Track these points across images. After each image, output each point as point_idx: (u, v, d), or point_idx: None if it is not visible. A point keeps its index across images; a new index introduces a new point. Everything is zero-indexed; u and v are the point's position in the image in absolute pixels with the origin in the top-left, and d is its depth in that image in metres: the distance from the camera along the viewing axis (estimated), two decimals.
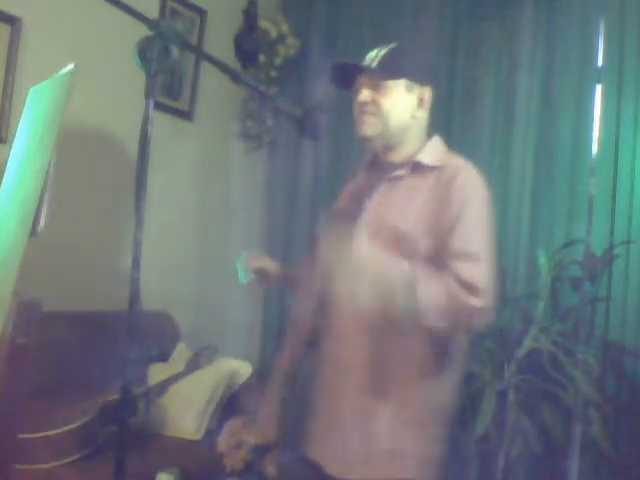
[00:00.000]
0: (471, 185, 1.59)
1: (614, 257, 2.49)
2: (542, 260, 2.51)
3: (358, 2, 3.33)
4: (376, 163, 1.75)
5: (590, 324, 2.51)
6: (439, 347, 1.58)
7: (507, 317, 2.58)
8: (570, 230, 2.64)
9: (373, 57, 1.66)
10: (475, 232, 1.53)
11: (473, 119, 2.92)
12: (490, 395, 2.36)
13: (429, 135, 1.73)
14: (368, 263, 1.51)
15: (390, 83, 1.65)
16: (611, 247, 2.49)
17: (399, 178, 1.65)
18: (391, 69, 1.64)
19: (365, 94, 1.65)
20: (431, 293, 1.46)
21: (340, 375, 1.63)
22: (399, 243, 1.57)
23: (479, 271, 1.48)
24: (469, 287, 1.45)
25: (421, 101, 1.69)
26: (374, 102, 1.64)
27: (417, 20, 3.11)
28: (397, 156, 1.70)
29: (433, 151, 1.68)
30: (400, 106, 1.66)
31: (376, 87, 1.65)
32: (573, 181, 2.69)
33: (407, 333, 1.54)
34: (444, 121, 3.01)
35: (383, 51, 1.66)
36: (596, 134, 2.62)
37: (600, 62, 2.65)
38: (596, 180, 2.58)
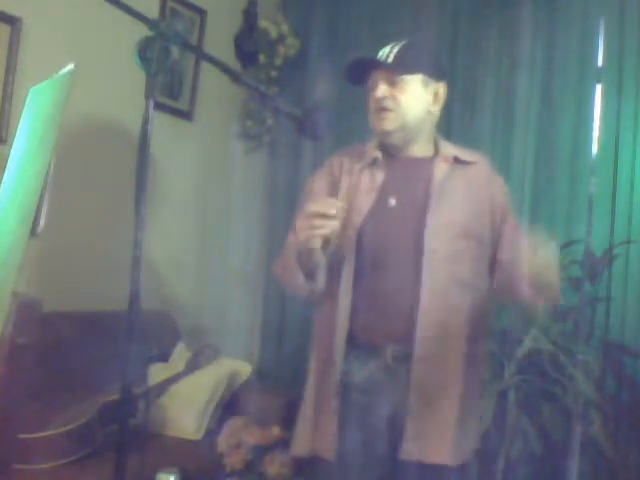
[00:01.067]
0: (504, 183, 1.78)
1: (614, 257, 2.49)
2: None
3: (358, 2, 3.33)
4: (395, 155, 1.73)
5: (590, 324, 2.51)
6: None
7: (507, 317, 2.58)
8: (570, 230, 2.64)
9: (388, 52, 1.67)
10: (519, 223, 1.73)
11: (473, 119, 2.92)
12: (490, 395, 2.36)
13: (447, 131, 1.80)
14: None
15: (407, 78, 1.66)
16: (611, 247, 2.49)
17: (447, 173, 1.68)
18: (408, 64, 1.66)
19: (383, 89, 1.66)
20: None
21: (435, 372, 1.63)
22: (466, 237, 1.64)
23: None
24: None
25: (436, 96, 1.71)
26: (392, 97, 1.66)
27: (417, 20, 3.11)
28: (418, 150, 1.72)
29: (456, 148, 1.75)
30: (417, 101, 1.68)
31: (393, 82, 1.66)
32: (573, 181, 2.69)
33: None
34: (444, 121, 3.00)
35: (397, 47, 1.67)
36: (596, 134, 2.62)
37: (600, 62, 2.65)
38: (596, 180, 2.58)
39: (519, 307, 2.60)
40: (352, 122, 3.22)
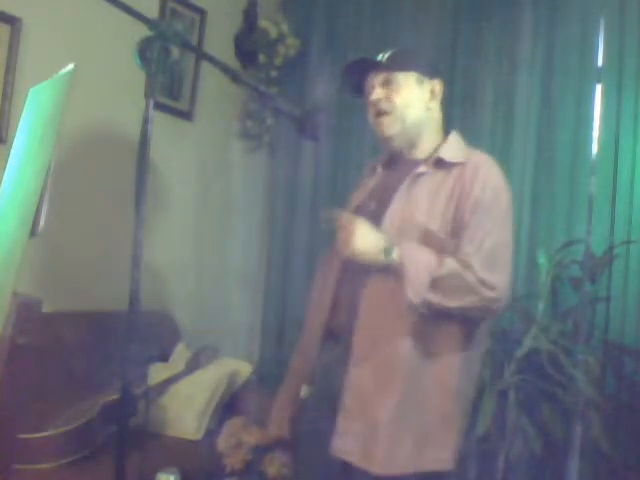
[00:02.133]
0: (490, 181, 1.63)
1: (614, 257, 2.49)
2: (542, 260, 2.51)
3: (358, 2, 3.33)
4: (396, 160, 1.75)
5: (590, 324, 2.51)
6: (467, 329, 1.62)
7: (507, 317, 2.58)
8: (570, 230, 2.64)
9: (380, 57, 1.69)
10: (489, 227, 1.59)
11: (473, 119, 2.91)
12: (490, 395, 2.36)
13: (446, 130, 1.76)
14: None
15: (401, 77, 1.66)
16: (611, 247, 2.49)
17: (422, 174, 1.65)
18: (400, 63, 1.68)
19: (378, 92, 1.67)
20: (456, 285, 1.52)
21: (373, 370, 1.59)
22: (424, 238, 1.59)
23: (496, 267, 1.57)
24: (485, 283, 1.53)
25: (432, 93, 1.71)
26: (387, 98, 1.66)
27: (417, 20, 3.11)
28: (419, 152, 1.72)
29: (454, 147, 1.70)
30: (413, 100, 1.68)
31: (388, 83, 1.67)
32: (573, 181, 2.69)
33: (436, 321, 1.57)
34: (444, 121, 3.01)
35: (390, 51, 1.70)
36: (596, 134, 2.62)
37: (600, 62, 2.65)
38: (596, 180, 2.58)
39: (519, 307, 2.61)
40: (352, 122, 3.24)
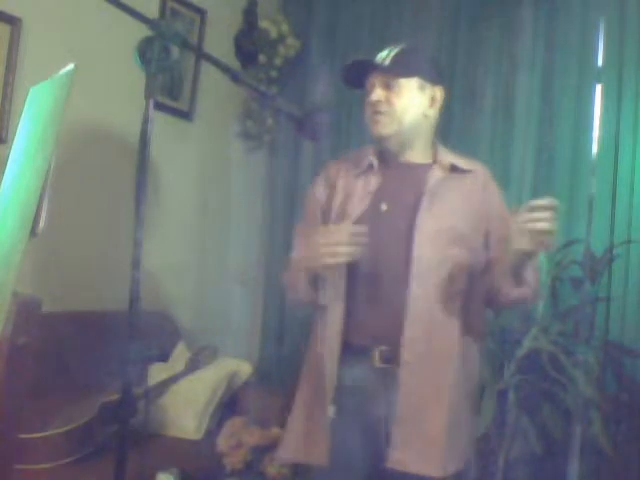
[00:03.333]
0: (497, 188, 1.76)
1: (614, 257, 2.49)
2: (542, 260, 2.51)
3: (358, 2, 3.32)
4: (391, 161, 1.72)
5: (590, 324, 2.51)
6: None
7: (507, 317, 2.58)
8: (570, 230, 2.64)
9: (385, 56, 1.66)
10: None
11: (473, 119, 2.92)
12: (490, 395, 2.36)
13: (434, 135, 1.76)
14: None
15: (403, 81, 1.65)
16: (611, 247, 2.49)
17: (442, 180, 1.67)
18: (404, 67, 1.66)
19: (378, 93, 1.65)
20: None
21: (425, 378, 1.60)
22: (459, 243, 1.63)
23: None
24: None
25: (432, 100, 1.71)
26: (387, 101, 1.65)
27: (417, 20, 3.11)
28: (416, 156, 1.71)
29: (454, 156, 1.73)
30: (413, 105, 1.67)
31: (389, 86, 1.65)
32: (573, 181, 2.69)
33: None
34: (444, 121, 3.00)
35: (395, 50, 1.67)
36: (596, 134, 2.62)
37: (600, 62, 2.65)
38: (596, 180, 2.58)
39: (519, 307, 2.60)
40: (352, 122, 3.24)
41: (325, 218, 1.74)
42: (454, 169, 1.68)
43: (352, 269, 1.62)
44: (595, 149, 2.62)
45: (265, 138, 3.46)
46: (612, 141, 2.57)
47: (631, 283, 2.52)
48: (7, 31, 2.42)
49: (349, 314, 1.63)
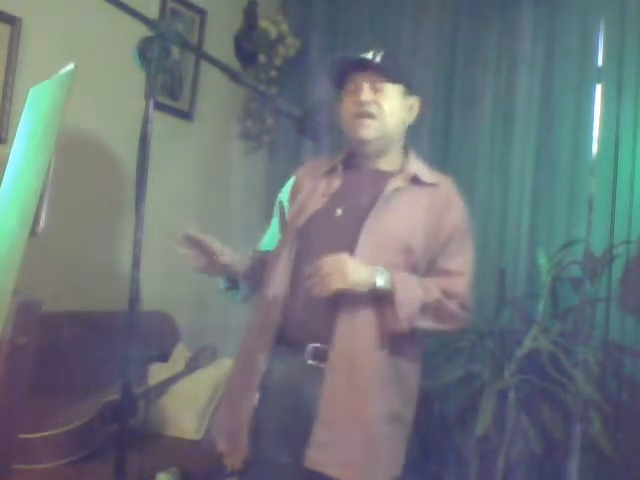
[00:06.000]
0: (463, 207, 1.70)
1: (614, 257, 2.49)
2: (542, 260, 2.51)
3: (358, 2, 3.33)
4: (357, 166, 1.72)
5: (590, 324, 2.51)
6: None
7: (507, 317, 2.58)
8: (570, 230, 2.64)
9: (372, 56, 1.65)
10: (465, 252, 1.68)
11: (473, 119, 2.91)
12: (490, 395, 2.36)
13: (406, 145, 1.75)
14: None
15: (390, 86, 1.65)
16: (611, 247, 2.49)
17: (399, 189, 1.65)
18: (393, 69, 1.65)
19: (367, 94, 1.64)
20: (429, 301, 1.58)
21: (349, 383, 1.57)
22: (404, 253, 1.61)
23: (467, 286, 1.66)
24: (465, 306, 1.64)
25: (411, 110, 1.71)
26: (376, 103, 1.63)
27: (417, 20, 3.11)
28: (384, 163, 1.71)
29: (421, 166, 1.71)
30: (396, 111, 1.67)
31: (377, 89, 1.64)
32: (573, 181, 2.69)
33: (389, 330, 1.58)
34: (444, 121, 3.01)
35: (380, 53, 1.66)
36: (596, 134, 2.62)
37: (600, 62, 2.65)
38: (596, 180, 2.58)
39: (519, 307, 2.60)
40: None
41: (285, 216, 1.82)
42: (415, 180, 1.66)
43: (297, 265, 1.63)
44: (595, 149, 2.62)
45: (265, 138, 3.46)
46: (612, 141, 2.57)
47: None
48: (7, 31, 2.41)
49: (288, 309, 1.63)
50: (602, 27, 2.62)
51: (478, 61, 2.94)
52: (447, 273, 1.63)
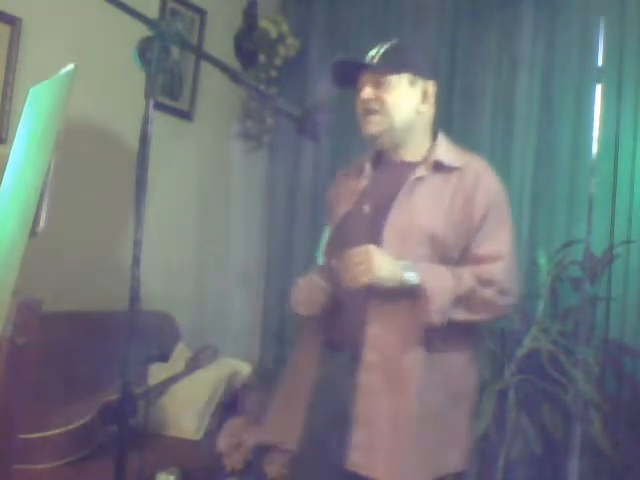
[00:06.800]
0: (495, 186, 1.66)
1: (614, 257, 2.49)
2: (542, 260, 2.51)
3: (358, 2, 3.33)
4: (386, 161, 1.72)
5: (590, 324, 2.51)
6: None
7: (507, 317, 2.58)
8: (570, 230, 2.64)
9: (374, 54, 1.65)
10: (500, 234, 1.63)
11: (473, 119, 2.92)
12: (490, 395, 2.36)
13: (435, 131, 1.73)
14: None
15: (393, 78, 1.64)
16: (611, 247, 2.49)
17: (421, 178, 1.63)
18: (392, 64, 1.64)
19: (368, 91, 1.64)
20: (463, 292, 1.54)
21: (384, 382, 1.57)
22: (430, 243, 1.59)
23: (505, 271, 1.60)
24: (504, 292, 1.59)
25: (425, 95, 1.68)
26: (378, 99, 1.63)
27: (417, 20, 3.11)
28: (409, 154, 1.69)
29: (448, 149, 1.68)
30: (404, 101, 1.65)
31: (379, 83, 1.64)
32: (573, 181, 2.69)
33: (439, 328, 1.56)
34: (444, 121, 3.00)
35: (384, 47, 1.66)
36: (596, 134, 2.62)
37: (600, 62, 2.65)
38: (596, 180, 2.58)
39: (519, 307, 2.60)
40: (352, 122, 3.23)
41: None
42: (438, 167, 1.63)
43: (332, 271, 1.65)
44: (595, 149, 2.62)
45: (265, 138, 3.46)
46: (612, 141, 2.57)
47: (631, 283, 2.52)
48: (7, 31, 2.41)
49: (331, 313, 1.65)
50: (602, 27, 2.62)
51: (478, 61, 2.94)
52: (480, 259, 1.59)
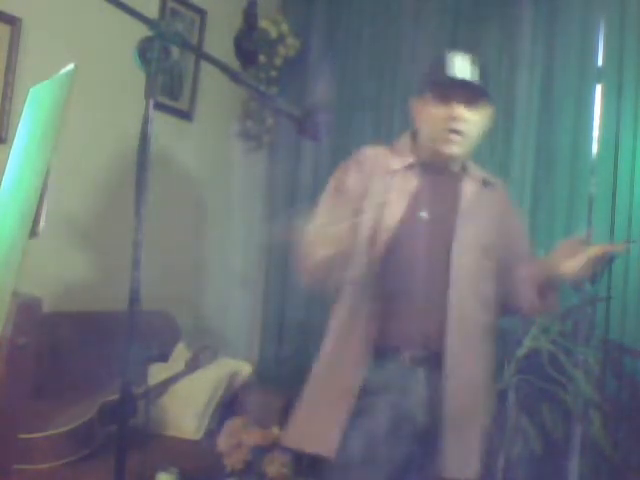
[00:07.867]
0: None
1: (614, 257, 2.49)
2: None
3: (358, 2, 3.32)
4: (431, 165, 1.68)
5: (590, 324, 2.51)
6: None
7: (507, 317, 2.58)
8: (570, 230, 2.64)
9: (470, 70, 1.57)
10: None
11: None
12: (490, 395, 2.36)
13: None
14: None
15: (483, 102, 1.61)
16: None
17: (477, 194, 1.69)
18: (487, 85, 1.60)
19: (462, 111, 1.58)
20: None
21: (454, 384, 1.60)
22: (489, 258, 1.66)
23: None
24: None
25: (490, 119, 1.68)
26: (468, 121, 1.59)
27: (417, 20, 3.11)
28: (453, 164, 1.71)
29: (477, 167, 1.76)
30: (482, 124, 1.65)
31: (471, 104, 1.59)
32: (573, 181, 2.69)
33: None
34: None
35: (476, 64, 1.58)
36: (596, 134, 2.62)
37: (600, 62, 2.65)
38: (596, 180, 2.58)
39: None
40: (352, 122, 3.23)
41: (358, 207, 1.64)
42: (485, 183, 1.71)
43: (388, 269, 1.61)
44: (595, 149, 2.62)
45: (265, 138, 3.46)
46: (612, 141, 2.57)
47: (631, 283, 2.52)
48: (7, 31, 2.41)
49: (378, 315, 1.61)
50: (602, 27, 2.62)
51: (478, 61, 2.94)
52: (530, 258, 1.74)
